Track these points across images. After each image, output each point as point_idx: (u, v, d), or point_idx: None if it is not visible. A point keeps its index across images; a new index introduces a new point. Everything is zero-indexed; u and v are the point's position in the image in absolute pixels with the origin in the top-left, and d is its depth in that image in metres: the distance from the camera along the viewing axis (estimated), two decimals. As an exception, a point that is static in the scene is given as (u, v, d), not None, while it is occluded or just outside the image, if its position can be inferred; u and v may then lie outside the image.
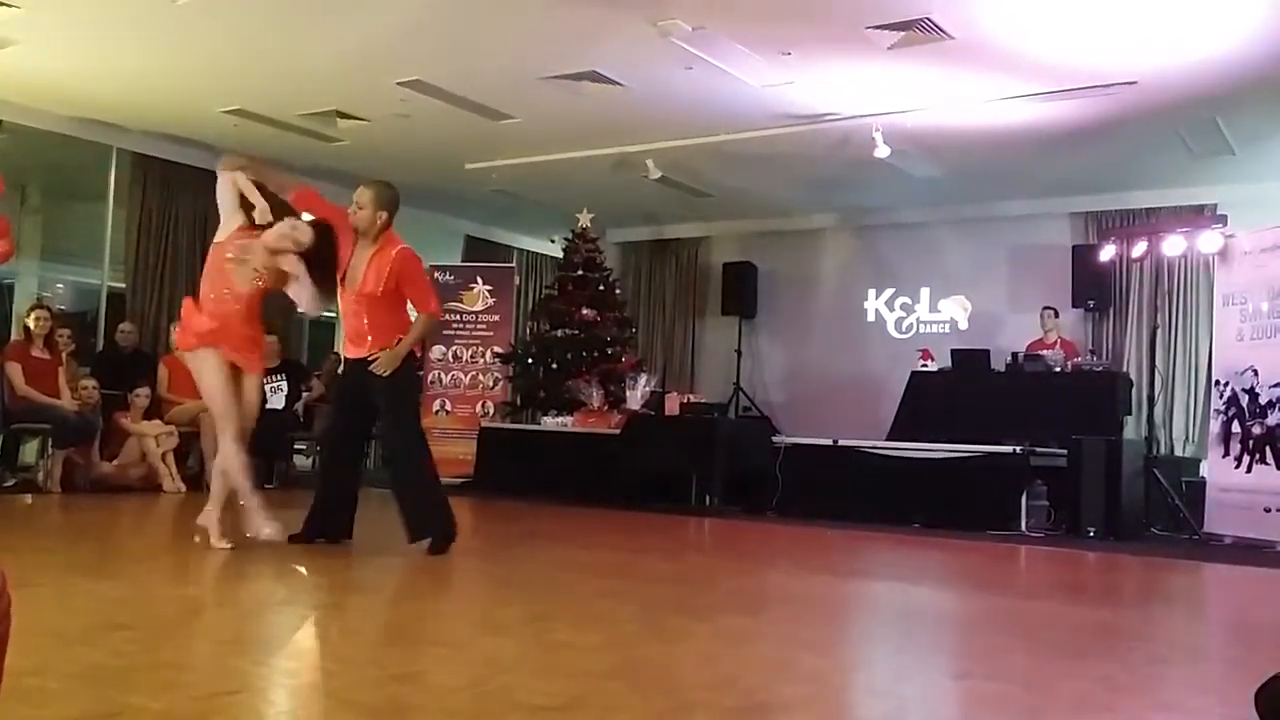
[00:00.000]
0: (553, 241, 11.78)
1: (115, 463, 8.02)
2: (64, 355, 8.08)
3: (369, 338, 4.95)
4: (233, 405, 4.82)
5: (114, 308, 9.60)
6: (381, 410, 5.02)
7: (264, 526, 4.85)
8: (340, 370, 5.50)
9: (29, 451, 8.23)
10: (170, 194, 9.73)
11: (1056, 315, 9.58)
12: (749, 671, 2.96)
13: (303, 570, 4.44)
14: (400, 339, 4.93)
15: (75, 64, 7.75)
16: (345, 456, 5.22)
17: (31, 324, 7.86)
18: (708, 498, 8.43)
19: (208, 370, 4.84)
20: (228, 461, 4.82)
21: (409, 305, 5.09)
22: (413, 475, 4.98)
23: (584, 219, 10.61)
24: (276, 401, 9.13)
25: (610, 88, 7.63)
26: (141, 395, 8.25)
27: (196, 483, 8.36)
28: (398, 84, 7.75)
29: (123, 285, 9.60)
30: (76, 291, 11.75)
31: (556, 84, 7.62)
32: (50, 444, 7.70)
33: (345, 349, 5.15)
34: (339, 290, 4.98)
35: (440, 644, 3.18)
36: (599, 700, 2.48)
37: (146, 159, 9.57)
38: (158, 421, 8.25)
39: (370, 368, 4.89)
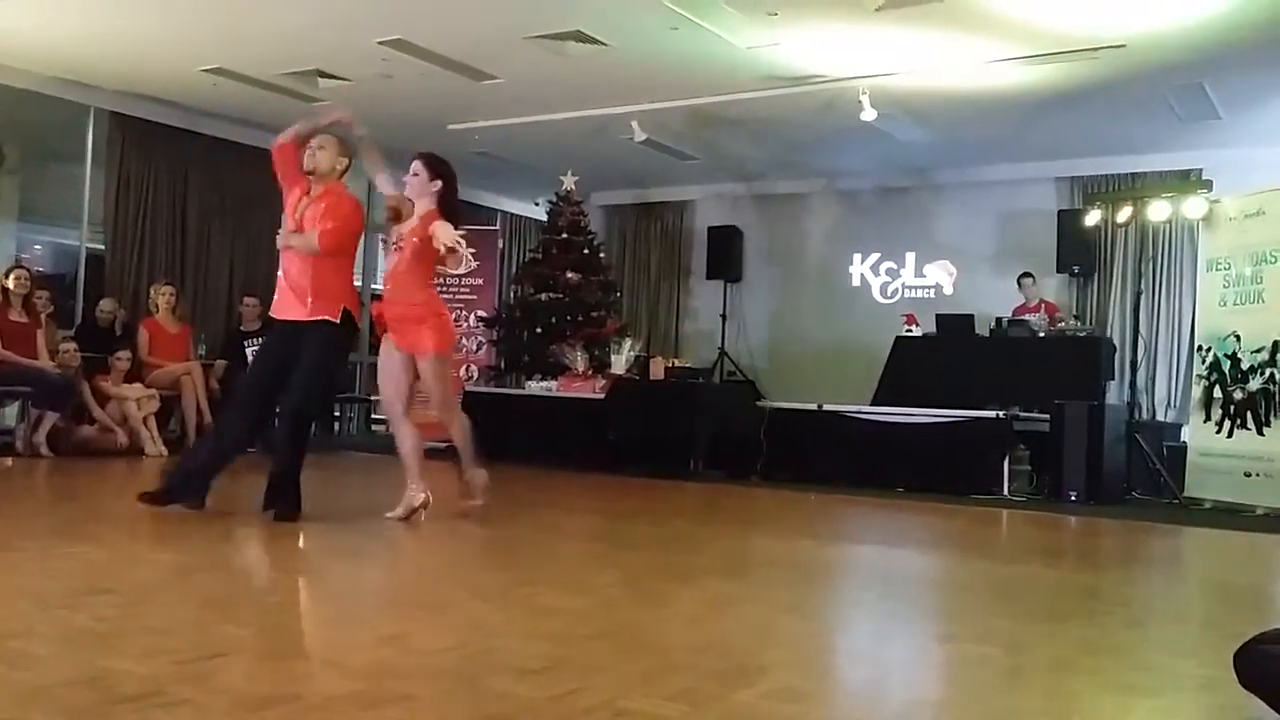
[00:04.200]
0: (536, 204, 11.71)
1: (96, 426, 7.96)
2: (43, 317, 8.00)
3: (310, 299, 4.69)
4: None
5: (93, 269, 9.49)
6: (300, 366, 4.68)
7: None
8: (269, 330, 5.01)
9: (9, 415, 8.17)
10: (149, 155, 9.60)
11: (1034, 281, 9.60)
12: (732, 635, 2.98)
13: (286, 534, 4.43)
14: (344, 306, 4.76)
15: (52, 22, 7.61)
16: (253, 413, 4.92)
17: (11, 285, 7.76)
18: (692, 462, 8.44)
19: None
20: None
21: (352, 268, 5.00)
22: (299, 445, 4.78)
23: (568, 181, 10.53)
24: (259, 365, 9.08)
25: (595, 48, 7.55)
26: (122, 359, 8.19)
27: (178, 446, 8.34)
28: (379, 43, 7.65)
29: (102, 247, 9.50)
30: (55, 253, 11.62)
31: (540, 44, 7.53)
32: (31, 407, 7.64)
33: (277, 308, 4.83)
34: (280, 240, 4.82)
35: (425, 607, 3.19)
36: (583, 662, 2.49)
37: (125, 119, 9.43)
38: (139, 385, 8.20)
39: (314, 309, 4.63)
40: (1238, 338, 7.41)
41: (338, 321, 4.72)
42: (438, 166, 5.07)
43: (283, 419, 4.82)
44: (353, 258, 4.97)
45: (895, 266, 11.34)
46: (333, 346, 4.82)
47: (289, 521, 4.61)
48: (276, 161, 4.86)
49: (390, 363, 4.95)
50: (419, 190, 5.00)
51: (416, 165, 5.04)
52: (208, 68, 8.45)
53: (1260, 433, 7.15)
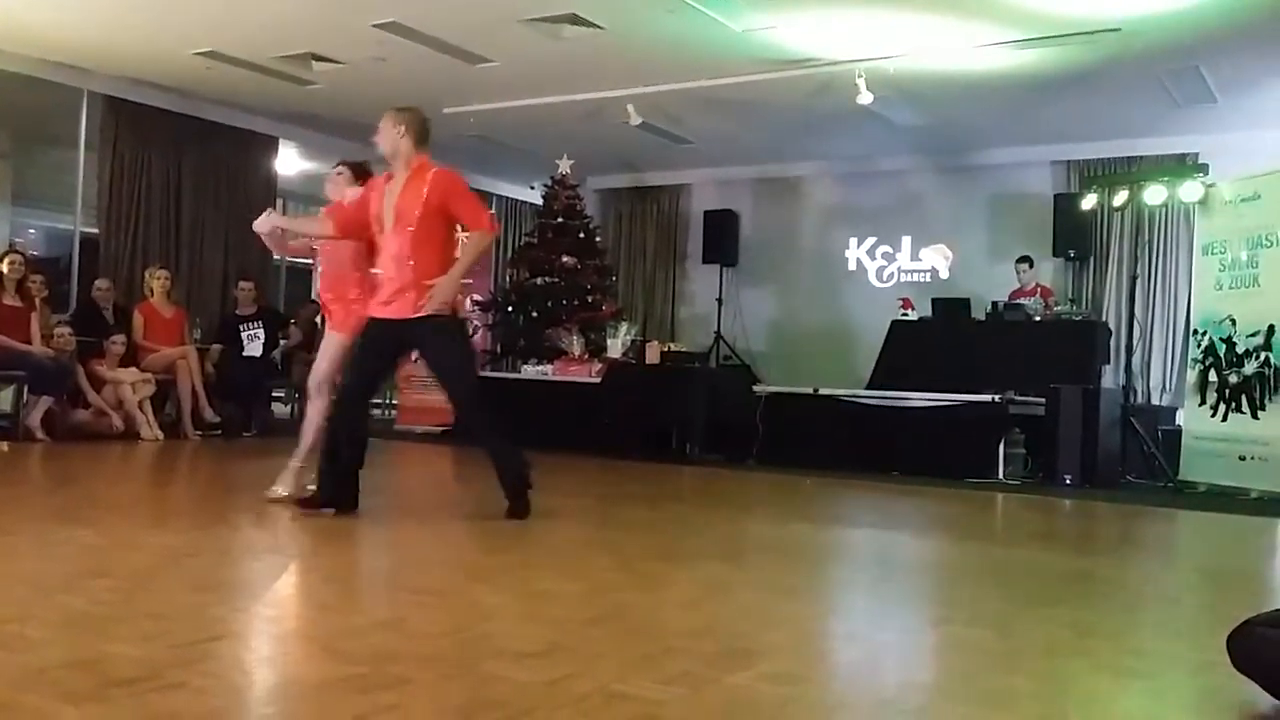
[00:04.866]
0: (532, 188, 11.69)
1: (91, 410, 7.95)
2: (37, 301, 7.97)
3: (416, 293, 4.39)
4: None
5: (87, 253, 9.47)
6: (438, 374, 4.64)
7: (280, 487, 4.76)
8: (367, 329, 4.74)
9: (3, 399, 8.15)
10: (143, 138, 9.57)
11: (1031, 265, 9.60)
12: (729, 618, 2.99)
13: (283, 519, 4.43)
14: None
15: (45, 4, 7.56)
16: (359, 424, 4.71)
17: (4, 269, 7.73)
18: (688, 446, 8.46)
19: (337, 346, 4.80)
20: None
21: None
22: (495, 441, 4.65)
23: (564, 165, 10.51)
24: (254, 349, 9.08)
25: (590, 30, 7.52)
26: (117, 343, 8.17)
27: (174, 430, 8.34)
28: (373, 26, 7.61)
29: (96, 231, 9.47)
30: (49, 237, 11.60)
31: (535, 26, 7.50)
32: (26, 391, 7.63)
33: (379, 309, 4.51)
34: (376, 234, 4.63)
35: (422, 592, 3.19)
36: (580, 646, 2.50)
37: (118, 102, 9.39)
38: (134, 369, 8.19)
39: (423, 306, 4.37)
40: (1233, 321, 7.42)
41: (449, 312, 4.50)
42: (357, 170, 5.03)
43: (473, 428, 4.71)
44: (453, 236, 4.63)
45: (891, 250, 11.33)
46: (457, 334, 4.64)
47: (519, 519, 4.49)
48: (355, 235, 4.78)
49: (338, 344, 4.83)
50: (341, 190, 4.97)
51: (341, 168, 5.04)
52: (201, 51, 8.41)
53: (1255, 416, 7.17)
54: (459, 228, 4.69)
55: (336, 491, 4.43)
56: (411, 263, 4.43)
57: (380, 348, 4.54)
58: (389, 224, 4.47)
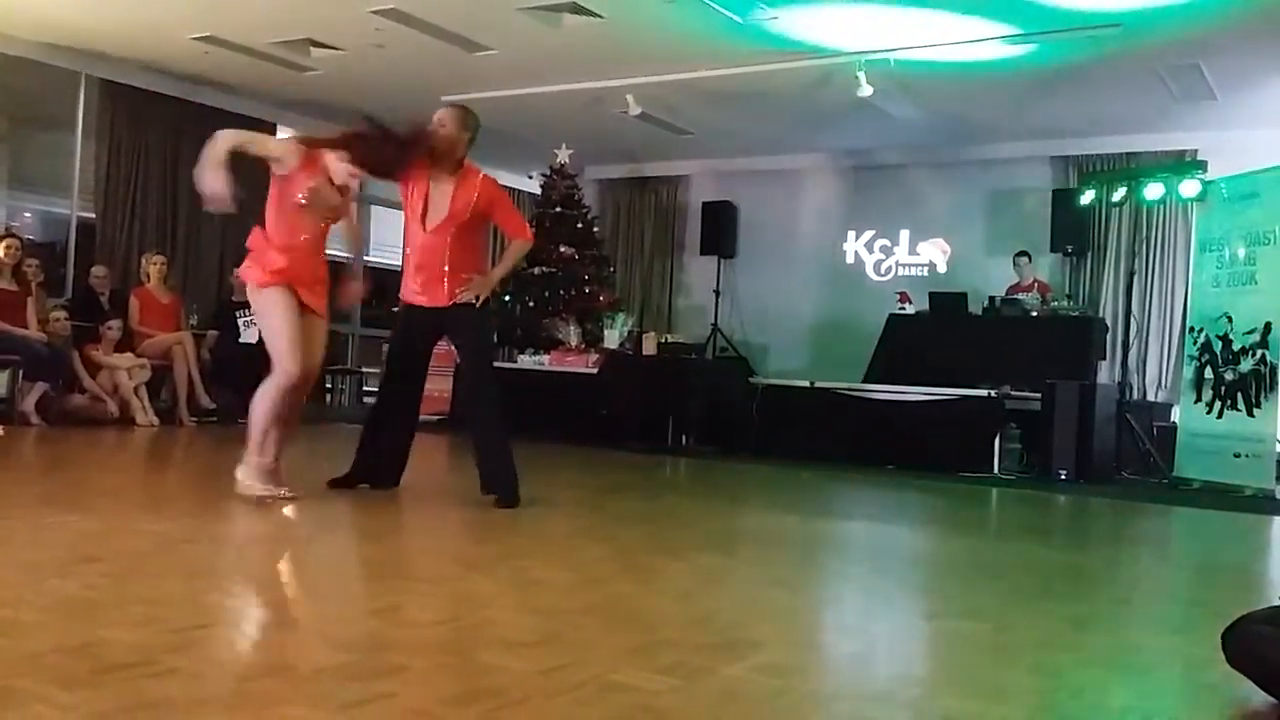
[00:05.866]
0: (530, 178, 11.67)
1: (87, 395, 7.93)
2: (33, 286, 7.95)
3: (447, 283, 4.64)
4: (297, 348, 4.37)
5: (84, 238, 9.44)
6: (462, 356, 4.90)
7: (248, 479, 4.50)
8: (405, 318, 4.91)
9: (-1, 383, 8.12)
10: (140, 123, 9.53)
11: (1030, 260, 9.61)
12: (723, 609, 2.99)
13: (279, 507, 4.42)
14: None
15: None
16: (404, 403, 4.93)
17: (1, 254, 7.70)
18: (684, 438, 8.46)
19: (279, 309, 4.41)
20: (257, 401, 4.48)
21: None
22: (492, 427, 4.75)
23: (562, 155, 10.49)
24: (251, 336, 9.05)
25: (590, 19, 7.49)
26: (113, 328, 8.15)
27: (169, 416, 8.32)
28: (372, 12, 7.58)
29: (92, 215, 9.44)
30: (45, 221, 11.55)
31: (535, 15, 7.47)
32: (21, 376, 7.60)
33: (413, 297, 4.74)
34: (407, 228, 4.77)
35: (415, 580, 3.19)
36: (574, 636, 2.50)
37: (116, 86, 9.35)
38: (129, 354, 8.16)
39: (459, 295, 4.62)
40: (1230, 319, 7.42)
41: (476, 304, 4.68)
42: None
43: (476, 407, 4.84)
44: (485, 237, 4.95)
45: (889, 244, 11.32)
46: (484, 323, 4.92)
47: (509, 508, 4.51)
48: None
49: (294, 317, 4.46)
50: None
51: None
52: (199, 36, 8.37)
53: (1250, 414, 7.17)
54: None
55: (373, 468, 4.80)
56: (449, 257, 4.69)
57: (418, 332, 4.84)
58: (436, 219, 4.67)
